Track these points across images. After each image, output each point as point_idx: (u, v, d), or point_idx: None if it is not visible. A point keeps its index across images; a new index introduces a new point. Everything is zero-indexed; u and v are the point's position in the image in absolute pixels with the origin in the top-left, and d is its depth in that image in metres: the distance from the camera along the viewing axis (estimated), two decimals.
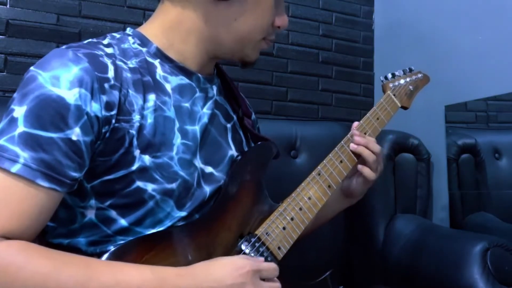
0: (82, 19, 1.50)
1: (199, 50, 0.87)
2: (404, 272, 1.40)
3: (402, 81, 1.17)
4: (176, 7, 0.85)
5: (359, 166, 1.02)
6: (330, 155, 0.99)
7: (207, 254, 0.80)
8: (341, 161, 0.99)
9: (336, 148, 1.00)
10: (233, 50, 0.88)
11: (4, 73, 1.40)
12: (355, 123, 1.06)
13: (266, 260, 0.85)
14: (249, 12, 0.85)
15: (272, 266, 0.79)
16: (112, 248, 0.73)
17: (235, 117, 0.98)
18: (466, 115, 1.61)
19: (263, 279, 0.77)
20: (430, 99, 1.33)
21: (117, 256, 0.72)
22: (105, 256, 0.72)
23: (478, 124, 1.58)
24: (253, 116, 1.08)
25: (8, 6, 1.41)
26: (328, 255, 1.52)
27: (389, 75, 1.17)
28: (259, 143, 0.97)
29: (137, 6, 1.57)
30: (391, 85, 1.15)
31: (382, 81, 1.17)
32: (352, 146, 1.01)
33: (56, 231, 0.78)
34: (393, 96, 1.12)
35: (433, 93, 1.29)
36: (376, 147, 1.01)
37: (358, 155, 1.01)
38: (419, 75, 1.22)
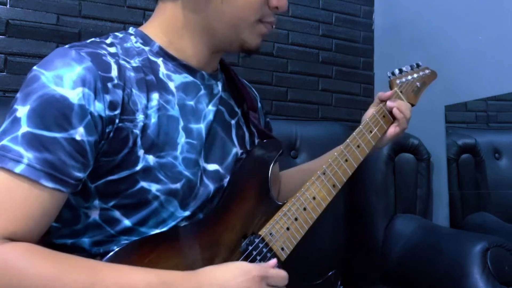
0: (82, 19, 1.50)
1: (197, 45, 0.86)
2: (404, 272, 1.40)
3: (409, 77, 1.15)
4: (168, 5, 0.85)
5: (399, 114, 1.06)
6: (335, 153, 0.98)
7: (210, 254, 0.79)
8: (346, 160, 0.98)
9: (341, 147, 0.99)
10: (228, 37, 0.85)
11: (4, 73, 1.39)
12: (381, 94, 1.10)
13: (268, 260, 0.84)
14: None
15: (281, 274, 0.77)
16: (116, 248, 0.73)
17: (239, 112, 0.97)
18: (466, 115, 1.61)
19: (271, 286, 0.75)
20: (430, 99, 1.32)
21: (121, 256, 0.72)
22: (109, 256, 0.71)
23: (478, 124, 1.58)
24: (259, 105, 1.08)
25: (8, 6, 1.40)
26: (328, 255, 1.52)
27: (396, 71, 1.15)
28: (264, 141, 0.96)
29: (137, 6, 1.57)
30: (398, 81, 1.13)
31: (389, 77, 1.14)
32: (389, 103, 1.07)
33: (60, 232, 0.78)
34: (400, 93, 1.11)
35: (433, 93, 1.28)
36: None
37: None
38: (427, 71, 1.20)
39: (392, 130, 1.07)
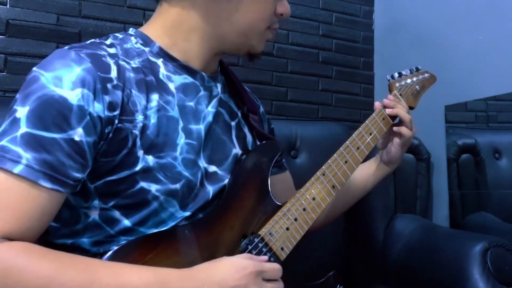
0: (82, 19, 1.50)
1: (203, 48, 0.86)
2: (404, 272, 1.40)
3: (408, 81, 1.16)
4: (175, 7, 0.84)
5: (395, 128, 1.08)
6: (335, 155, 0.98)
7: (209, 253, 0.79)
8: (346, 161, 0.99)
9: (341, 148, 1.00)
10: (237, 43, 0.87)
11: (4, 73, 1.39)
12: (377, 103, 1.10)
13: (269, 260, 0.84)
14: (249, 1, 0.84)
15: (276, 267, 0.79)
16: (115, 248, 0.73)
17: (239, 114, 0.97)
18: (466, 115, 1.61)
19: (267, 280, 0.76)
20: (430, 99, 1.32)
21: (120, 255, 0.72)
22: (108, 254, 0.71)
23: (478, 124, 1.58)
24: (261, 109, 1.09)
25: (8, 6, 1.40)
26: (328, 255, 1.52)
27: (396, 74, 1.15)
28: (263, 142, 0.96)
29: (137, 6, 1.57)
30: (397, 84, 1.14)
31: (388, 80, 1.15)
32: (388, 110, 1.07)
33: (60, 232, 0.78)
34: (399, 96, 1.11)
35: (433, 93, 1.28)
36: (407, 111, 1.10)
37: (393, 119, 1.09)
38: (426, 75, 1.20)
39: (398, 140, 1.09)
